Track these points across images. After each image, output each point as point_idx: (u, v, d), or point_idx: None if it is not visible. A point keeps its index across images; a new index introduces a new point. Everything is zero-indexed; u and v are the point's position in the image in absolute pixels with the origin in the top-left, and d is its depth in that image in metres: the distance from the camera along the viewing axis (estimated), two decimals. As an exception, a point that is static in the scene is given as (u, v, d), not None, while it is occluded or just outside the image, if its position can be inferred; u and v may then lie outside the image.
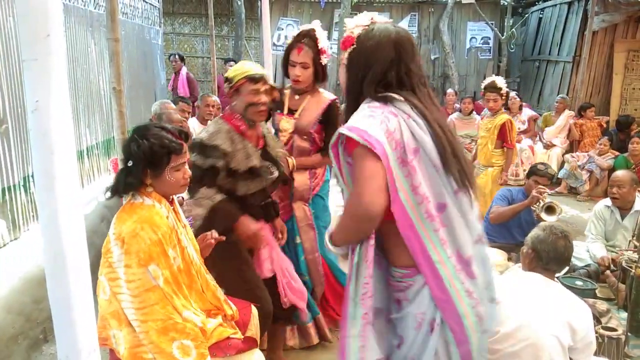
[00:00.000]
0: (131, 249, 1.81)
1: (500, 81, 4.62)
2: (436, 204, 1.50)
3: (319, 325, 3.05)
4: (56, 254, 1.31)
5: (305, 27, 2.85)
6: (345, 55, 1.65)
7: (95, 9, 5.05)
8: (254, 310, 2.38)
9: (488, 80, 4.70)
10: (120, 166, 1.99)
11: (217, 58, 6.83)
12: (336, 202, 6.18)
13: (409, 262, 1.53)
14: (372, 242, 1.54)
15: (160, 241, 1.86)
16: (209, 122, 2.65)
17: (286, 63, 2.87)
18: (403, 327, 1.57)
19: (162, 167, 1.91)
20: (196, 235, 2.25)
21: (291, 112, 2.91)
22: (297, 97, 2.93)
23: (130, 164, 1.91)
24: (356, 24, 1.66)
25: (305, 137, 2.88)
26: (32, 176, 3.45)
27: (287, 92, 2.96)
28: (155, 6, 7.78)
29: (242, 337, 2.17)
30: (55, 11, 1.26)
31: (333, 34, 10.64)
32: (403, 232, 1.49)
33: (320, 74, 2.86)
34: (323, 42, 2.81)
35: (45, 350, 3.03)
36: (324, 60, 2.82)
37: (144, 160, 1.88)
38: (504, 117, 4.64)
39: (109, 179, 4.87)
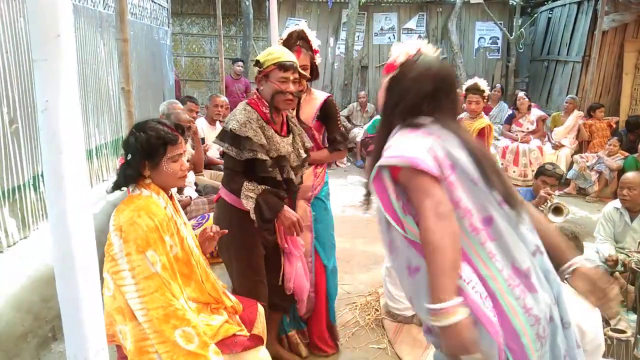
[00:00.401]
0: (129, 237, 1.87)
1: (483, 83, 4.42)
2: (481, 217, 1.46)
3: (294, 340, 3.00)
4: (65, 253, 1.32)
5: (292, 28, 2.83)
6: (386, 79, 1.66)
7: (104, 9, 5.08)
8: (260, 309, 2.39)
9: (470, 82, 4.48)
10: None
11: (225, 58, 6.85)
12: (343, 202, 6.17)
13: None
14: None
15: (157, 227, 1.92)
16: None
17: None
18: None
19: (158, 158, 2.00)
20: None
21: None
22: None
23: (129, 157, 2.00)
24: (402, 52, 1.66)
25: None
26: (42, 175, 3.47)
27: None
28: (164, 7, 7.81)
29: (248, 334, 2.18)
30: (66, 11, 1.27)
31: (341, 34, 10.63)
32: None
33: (313, 74, 2.87)
34: (315, 42, 2.85)
35: (54, 348, 3.05)
36: (318, 59, 2.87)
37: (141, 152, 1.97)
38: (483, 121, 4.38)
39: (118, 178, 4.90)
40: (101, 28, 4.98)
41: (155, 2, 7.17)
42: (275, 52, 2.49)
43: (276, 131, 2.54)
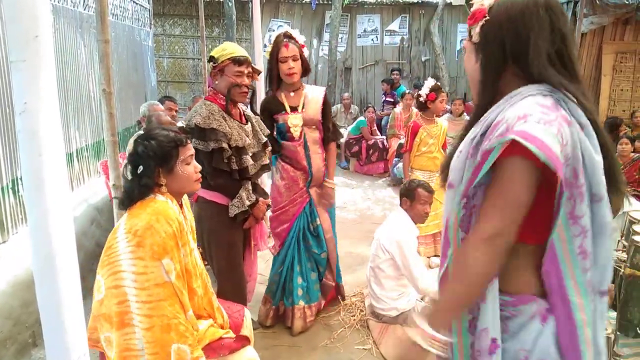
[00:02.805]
0: (145, 242, 1.80)
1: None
2: (593, 239, 1.23)
3: (298, 313, 3.30)
4: (45, 257, 1.30)
5: (276, 33, 3.16)
6: (476, 30, 1.31)
7: (84, 10, 5.01)
8: (247, 313, 2.39)
9: (431, 82, 4.58)
10: (128, 176, 1.99)
11: (208, 60, 6.80)
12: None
13: (517, 288, 1.28)
14: None
15: (174, 234, 1.87)
16: (195, 105, 2.70)
17: (275, 66, 3.12)
18: None
19: (172, 162, 1.95)
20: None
21: (293, 109, 3.19)
22: (292, 94, 3.21)
23: (140, 169, 1.91)
24: None
25: (314, 126, 3.23)
26: (21, 179, 3.42)
27: (281, 93, 3.20)
28: (146, 7, 7.74)
29: (234, 336, 2.17)
30: (44, 12, 1.25)
31: (324, 36, 10.65)
32: (547, 265, 1.23)
33: (305, 67, 3.17)
34: (299, 38, 3.15)
35: (34, 354, 3.00)
36: (305, 52, 3.16)
37: (154, 158, 1.91)
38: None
39: (99, 181, 4.84)
40: (81, 29, 4.91)
41: (136, 3, 7.11)
42: (229, 47, 2.66)
43: (236, 120, 2.72)
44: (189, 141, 2.04)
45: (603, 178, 1.21)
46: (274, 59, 3.11)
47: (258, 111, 3.06)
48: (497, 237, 1.18)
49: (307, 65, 3.19)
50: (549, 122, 1.14)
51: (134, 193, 1.92)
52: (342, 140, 8.11)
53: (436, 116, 4.52)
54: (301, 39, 3.16)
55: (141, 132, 3.85)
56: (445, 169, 1.41)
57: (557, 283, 1.22)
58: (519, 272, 1.27)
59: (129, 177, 1.97)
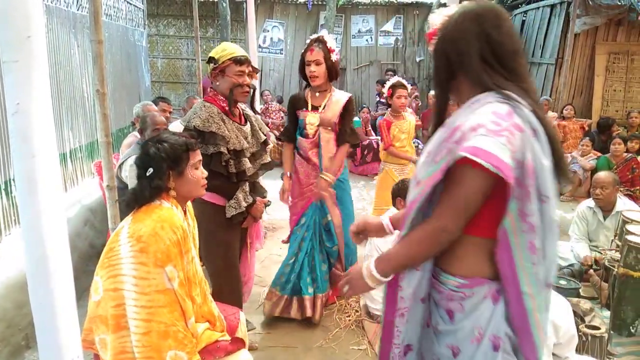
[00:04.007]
0: (149, 248, 1.80)
1: (404, 81, 4.74)
2: (542, 237, 1.36)
3: (315, 302, 3.39)
4: (38, 259, 1.29)
5: (314, 36, 3.34)
6: (431, 48, 1.52)
7: (78, 10, 4.99)
8: (242, 316, 2.39)
9: (394, 79, 4.74)
10: (134, 179, 1.99)
11: (202, 60, 6.78)
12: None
13: (472, 272, 1.42)
14: None
15: (178, 242, 1.87)
16: (194, 106, 2.70)
17: (303, 67, 3.32)
18: (458, 338, 1.44)
19: (183, 166, 1.96)
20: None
21: (314, 108, 3.37)
22: (317, 94, 3.38)
23: (150, 171, 1.91)
24: (440, 15, 1.51)
25: (329, 127, 3.35)
26: (14, 180, 3.40)
27: (308, 92, 3.42)
28: (140, 8, 7.72)
29: (230, 338, 2.17)
30: (37, 12, 1.24)
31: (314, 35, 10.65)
32: (499, 255, 1.37)
33: (332, 72, 3.30)
34: (331, 42, 3.27)
35: (27, 357, 2.98)
36: (334, 57, 3.26)
37: (166, 161, 1.92)
38: (413, 118, 4.82)
39: (93, 182, 4.82)
40: (75, 29, 4.89)
41: (130, 3, 7.09)
42: (229, 47, 2.65)
43: (235, 122, 2.71)
44: (198, 146, 2.05)
45: (550, 180, 1.33)
46: (302, 61, 3.31)
47: (258, 110, 3.06)
48: (442, 233, 1.36)
49: (335, 70, 3.31)
50: (498, 133, 1.26)
51: (144, 194, 1.91)
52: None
53: (397, 111, 4.62)
54: (332, 43, 3.28)
55: (136, 132, 3.87)
56: None
57: (509, 271, 1.36)
58: (474, 258, 1.42)
59: (135, 179, 1.97)
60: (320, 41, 3.25)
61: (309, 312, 3.35)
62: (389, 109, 4.73)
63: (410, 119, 4.75)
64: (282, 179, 3.61)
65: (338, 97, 3.39)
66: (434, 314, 1.51)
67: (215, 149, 2.53)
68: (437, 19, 1.51)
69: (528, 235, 1.33)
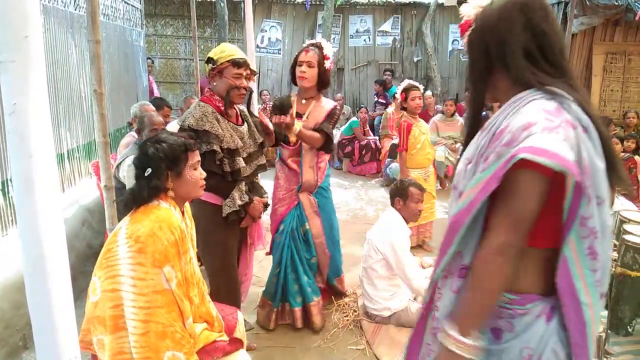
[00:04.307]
0: (147, 249, 1.80)
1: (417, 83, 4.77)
2: (602, 240, 1.25)
3: (307, 311, 3.33)
4: (36, 259, 1.29)
5: (313, 40, 3.32)
6: (465, 39, 1.39)
7: (75, 10, 4.98)
8: (240, 316, 2.39)
9: (405, 82, 4.72)
10: (132, 180, 1.99)
11: (200, 60, 6.77)
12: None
13: (525, 288, 1.30)
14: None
15: (176, 242, 1.87)
16: (190, 106, 2.73)
17: (294, 69, 3.26)
18: (503, 358, 1.32)
19: (181, 166, 1.96)
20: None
21: (298, 115, 3.22)
22: (303, 101, 3.30)
23: (149, 171, 1.91)
24: (474, 6, 1.38)
25: None
26: (11, 180, 3.39)
27: (294, 98, 3.23)
28: (137, 8, 7.70)
29: (228, 339, 2.17)
30: (34, 12, 1.24)
31: (317, 36, 10.64)
32: (559, 268, 1.25)
33: (323, 79, 3.22)
34: (327, 49, 3.21)
35: (24, 357, 2.97)
36: (327, 64, 3.20)
37: (165, 161, 1.92)
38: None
39: (90, 182, 4.81)
40: (72, 29, 4.88)
41: (128, 3, 7.07)
42: (228, 49, 2.65)
43: (231, 122, 2.72)
44: (197, 147, 2.05)
45: (604, 183, 1.22)
46: (295, 61, 3.26)
47: (255, 112, 3.05)
48: (508, 249, 1.22)
49: (326, 78, 3.23)
50: (553, 129, 1.16)
51: (142, 194, 1.90)
52: (335, 140, 8.12)
53: (413, 113, 4.61)
54: (329, 51, 3.22)
55: (133, 132, 3.87)
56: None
57: (566, 283, 1.24)
58: (527, 273, 1.30)
59: (133, 179, 1.96)
60: (317, 46, 3.22)
61: (299, 324, 3.32)
62: (405, 113, 4.67)
63: (422, 121, 4.78)
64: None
65: (324, 105, 3.30)
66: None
67: (208, 147, 2.54)
68: (470, 10, 1.38)
69: (587, 240, 1.23)
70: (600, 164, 1.21)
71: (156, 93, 7.74)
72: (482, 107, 1.38)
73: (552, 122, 1.17)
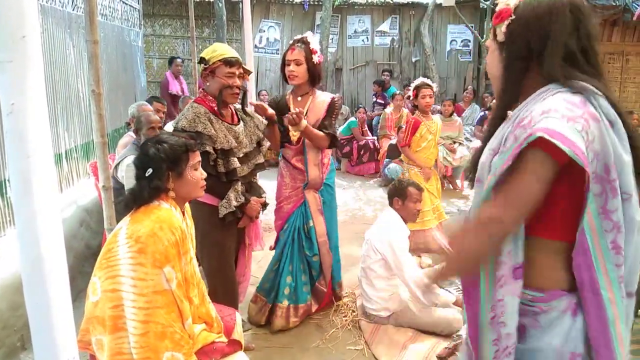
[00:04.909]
0: (147, 249, 1.79)
1: (429, 82, 4.76)
2: (624, 235, 1.23)
3: (288, 313, 3.30)
4: (33, 260, 1.29)
5: (298, 36, 3.24)
6: (502, 28, 1.34)
7: (73, 10, 4.97)
8: (238, 317, 2.39)
9: (418, 80, 4.72)
10: (131, 180, 1.98)
11: (198, 61, 6.78)
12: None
13: (548, 284, 1.29)
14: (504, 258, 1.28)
15: (177, 242, 1.86)
16: (185, 107, 2.75)
17: (283, 67, 3.21)
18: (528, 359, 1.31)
19: (182, 166, 1.96)
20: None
21: None
22: (299, 99, 3.27)
23: (149, 172, 1.91)
24: None
25: None
26: (9, 180, 3.38)
27: (289, 97, 3.29)
28: (135, 8, 7.70)
29: (227, 340, 2.17)
30: (31, 12, 1.24)
31: (315, 37, 10.65)
32: (575, 260, 1.24)
33: (314, 74, 3.19)
34: (314, 44, 3.18)
35: (22, 358, 2.97)
36: (315, 58, 3.15)
37: (166, 162, 1.91)
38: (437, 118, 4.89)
39: (89, 183, 4.80)
40: (70, 29, 4.87)
41: (126, 3, 7.07)
42: (220, 48, 2.65)
43: (226, 122, 2.71)
44: (197, 147, 2.05)
45: (632, 177, 1.22)
46: (283, 61, 3.23)
47: (248, 111, 3.05)
48: (495, 223, 1.22)
49: (317, 72, 3.19)
50: (572, 119, 1.16)
51: (143, 195, 1.90)
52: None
53: (424, 112, 4.60)
54: (316, 45, 3.18)
55: (131, 132, 3.86)
56: (473, 167, 1.43)
57: (588, 277, 1.22)
58: (549, 268, 1.29)
59: (133, 179, 1.96)
60: (303, 42, 3.16)
61: (278, 321, 3.27)
62: (417, 110, 4.68)
63: (437, 121, 4.74)
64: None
65: (322, 99, 3.27)
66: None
67: (201, 148, 2.53)
68: (509, 0, 1.34)
69: (611, 234, 1.21)
70: (627, 158, 1.21)
71: (187, 93, 7.70)
72: (514, 100, 1.35)
73: (572, 112, 1.17)
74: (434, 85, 4.68)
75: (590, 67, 1.29)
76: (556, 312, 1.28)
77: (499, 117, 1.39)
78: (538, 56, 1.29)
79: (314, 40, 3.20)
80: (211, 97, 2.69)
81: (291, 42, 3.23)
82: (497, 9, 1.36)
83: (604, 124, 1.20)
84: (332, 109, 3.26)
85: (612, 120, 1.22)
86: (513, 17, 1.31)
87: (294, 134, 3.24)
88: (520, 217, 1.22)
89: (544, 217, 1.25)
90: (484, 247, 1.25)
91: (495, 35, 1.38)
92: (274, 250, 3.47)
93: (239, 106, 2.93)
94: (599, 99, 1.23)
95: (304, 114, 3.15)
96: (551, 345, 1.27)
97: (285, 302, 3.29)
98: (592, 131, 1.17)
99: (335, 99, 3.31)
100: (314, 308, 3.46)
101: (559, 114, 1.17)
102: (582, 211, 1.21)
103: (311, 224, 3.33)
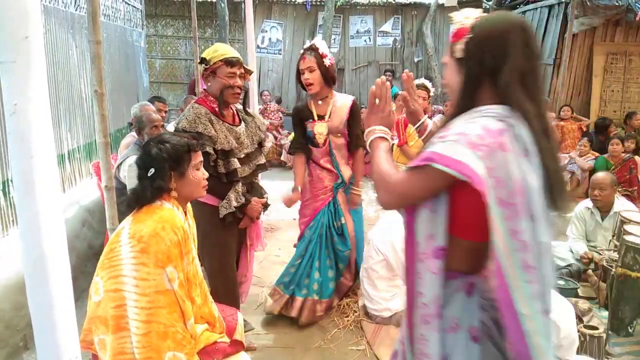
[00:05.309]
0: (150, 249, 1.79)
1: (428, 83, 4.73)
2: (536, 255, 1.31)
3: (308, 305, 3.38)
4: (36, 260, 1.29)
5: (307, 44, 3.32)
6: (460, 46, 1.43)
7: (76, 10, 4.98)
8: (240, 317, 2.39)
9: (417, 81, 4.72)
10: (133, 180, 1.98)
11: (199, 61, 6.79)
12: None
13: (451, 267, 1.42)
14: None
15: (179, 242, 1.86)
16: (186, 108, 2.75)
17: (299, 77, 3.29)
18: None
19: (185, 166, 1.97)
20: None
21: (320, 117, 3.36)
22: (320, 102, 3.36)
23: (152, 172, 1.91)
24: (466, 16, 1.46)
25: (339, 134, 3.38)
26: (12, 180, 3.39)
27: (310, 101, 3.39)
28: (138, 8, 7.71)
29: (229, 340, 2.17)
30: (34, 12, 1.24)
31: (317, 37, 10.65)
32: (495, 280, 1.32)
33: (328, 77, 3.26)
34: (323, 48, 3.24)
35: (25, 357, 2.98)
36: (327, 62, 3.23)
37: (168, 161, 1.92)
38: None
39: (91, 183, 4.81)
40: (73, 29, 4.89)
41: (128, 4, 7.08)
42: (221, 48, 2.65)
43: (227, 122, 2.71)
44: (199, 147, 2.05)
45: (539, 201, 1.31)
46: (297, 71, 3.30)
47: (250, 111, 3.06)
48: (383, 196, 1.45)
49: (330, 75, 3.27)
50: (476, 146, 1.28)
51: (145, 195, 1.90)
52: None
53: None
54: (325, 49, 3.26)
55: (133, 132, 3.87)
56: None
57: (503, 294, 1.31)
58: (453, 256, 1.42)
59: (135, 179, 1.96)
60: (312, 49, 3.24)
61: (294, 312, 3.37)
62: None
63: (428, 122, 4.71)
64: (292, 189, 3.56)
65: (342, 102, 3.37)
66: None
67: (202, 149, 2.55)
68: (464, 19, 1.44)
69: (521, 253, 1.29)
70: (534, 183, 1.30)
71: None
72: (465, 111, 1.43)
73: (480, 140, 1.28)
74: (431, 87, 4.67)
75: (531, 90, 1.37)
76: (450, 289, 1.42)
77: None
78: (491, 74, 1.38)
79: (322, 45, 3.27)
80: (212, 98, 2.69)
81: (301, 51, 3.31)
82: (454, 27, 1.46)
83: (514, 154, 1.29)
84: (355, 113, 3.37)
85: (528, 149, 1.31)
86: (470, 35, 1.40)
87: (320, 136, 3.35)
88: (400, 203, 1.44)
89: (461, 222, 1.38)
90: (374, 164, 1.49)
91: (452, 52, 1.47)
92: (284, 249, 3.51)
93: (240, 107, 2.93)
94: (521, 129, 1.32)
95: (328, 115, 3.32)
96: (451, 316, 1.41)
97: (315, 297, 3.39)
98: (497, 159, 1.27)
99: (355, 101, 3.43)
100: (336, 302, 3.60)
101: (464, 140, 1.29)
102: (483, 218, 1.30)
103: (343, 221, 3.44)
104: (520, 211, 1.28)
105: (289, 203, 3.44)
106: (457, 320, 1.42)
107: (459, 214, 1.38)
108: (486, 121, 1.33)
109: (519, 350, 1.32)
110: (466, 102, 1.44)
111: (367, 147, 1.60)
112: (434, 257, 1.41)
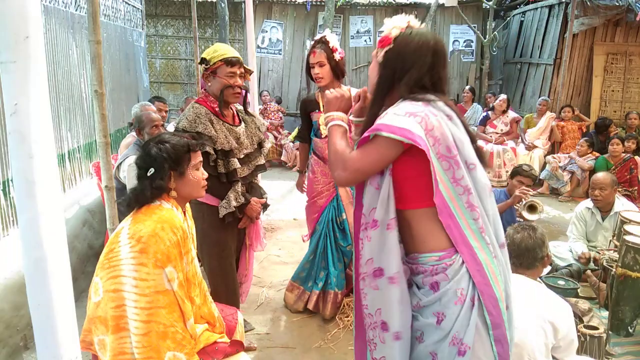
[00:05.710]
0: (149, 249, 1.79)
1: None
2: (477, 196, 1.60)
3: (324, 298, 3.52)
4: (36, 260, 1.29)
5: (318, 36, 3.34)
6: (381, 53, 1.69)
7: (76, 10, 4.99)
8: (240, 317, 2.39)
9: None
10: (133, 180, 1.98)
11: (199, 62, 6.79)
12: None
13: (443, 244, 1.59)
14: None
15: (178, 243, 1.86)
16: (186, 108, 2.75)
17: (309, 70, 3.33)
18: (442, 303, 1.58)
19: (184, 166, 1.97)
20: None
21: None
22: None
23: (151, 171, 1.91)
24: (394, 25, 1.71)
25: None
26: (12, 180, 3.39)
27: (318, 93, 3.43)
28: (138, 8, 7.71)
29: (229, 340, 2.17)
30: (34, 13, 1.24)
31: (317, 37, 10.65)
32: (444, 221, 1.56)
33: (337, 71, 3.28)
34: (333, 42, 3.26)
35: (25, 358, 2.97)
36: (337, 56, 3.25)
37: (168, 161, 1.91)
38: None
39: (91, 183, 4.81)
40: (73, 29, 4.89)
41: (129, 4, 7.08)
42: (221, 48, 2.65)
43: (227, 122, 2.71)
44: (199, 147, 2.05)
45: (472, 152, 1.61)
46: (307, 65, 3.33)
47: (250, 112, 3.06)
48: (339, 174, 1.61)
49: (340, 68, 3.30)
50: (413, 114, 1.53)
51: (145, 195, 1.90)
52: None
53: None
54: (335, 43, 3.28)
55: (134, 132, 3.87)
56: None
57: (458, 233, 1.56)
58: (433, 232, 1.60)
59: (135, 179, 1.96)
60: (323, 42, 3.25)
61: (311, 306, 3.50)
62: None
63: None
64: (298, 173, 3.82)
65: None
66: (414, 296, 1.65)
67: (200, 149, 2.55)
68: (392, 28, 1.69)
69: (464, 196, 1.56)
70: (465, 139, 1.61)
71: None
72: (380, 108, 1.67)
73: (414, 109, 1.54)
74: None
75: (438, 91, 1.65)
76: (458, 263, 1.57)
77: (372, 115, 1.69)
78: (398, 81, 1.64)
79: (333, 38, 3.29)
80: (212, 98, 2.69)
81: (312, 43, 3.34)
82: (384, 33, 1.70)
83: (442, 117, 1.57)
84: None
85: (448, 114, 1.60)
86: (391, 45, 1.66)
87: (323, 128, 3.37)
88: (356, 179, 1.61)
89: (415, 191, 1.59)
90: (330, 145, 1.66)
91: (376, 55, 1.71)
92: (284, 249, 3.52)
93: (240, 107, 2.93)
94: (437, 103, 1.60)
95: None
96: (455, 288, 1.56)
97: (336, 289, 3.50)
98: (431, 122, 1.53)
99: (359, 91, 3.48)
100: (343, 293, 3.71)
101: (402, 111, 1.54)
102: (434, 181, 1.53)
103: (344, 217, 3.51)
104: (458, 162, 1.55)
105: (300, 187, 3.74)
106: (463, 291, 1.57)
107: (414, 183, 1.58)
108: (409, 102, 1.59)
109: (479, 279, 1.55)
110: (379, 101, 1.68)
111: (326, 132, 1.79)
112: (372, 227, 1.62)
